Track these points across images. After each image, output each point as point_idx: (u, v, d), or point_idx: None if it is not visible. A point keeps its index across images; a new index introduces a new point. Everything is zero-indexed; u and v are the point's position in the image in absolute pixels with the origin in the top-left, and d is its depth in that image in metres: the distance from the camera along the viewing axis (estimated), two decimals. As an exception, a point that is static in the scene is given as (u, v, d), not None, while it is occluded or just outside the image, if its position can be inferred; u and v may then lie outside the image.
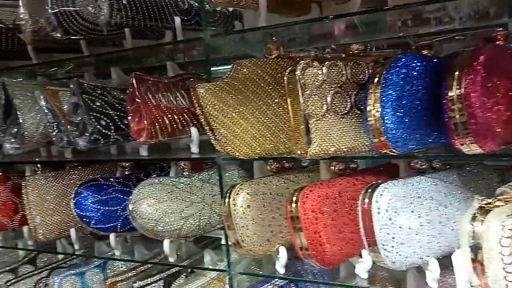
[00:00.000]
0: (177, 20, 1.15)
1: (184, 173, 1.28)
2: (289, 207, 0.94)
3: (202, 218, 1.20)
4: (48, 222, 1.34)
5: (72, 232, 1.39)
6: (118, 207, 1.29)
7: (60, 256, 1.64)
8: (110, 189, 1.30)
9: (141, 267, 1.43)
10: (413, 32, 1.14)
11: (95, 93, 1.12)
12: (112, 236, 1.29)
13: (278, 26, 0.98)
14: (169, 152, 1.35)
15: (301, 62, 0.89)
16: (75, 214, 1.26)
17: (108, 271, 1.50)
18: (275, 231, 1.04)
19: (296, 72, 0.88)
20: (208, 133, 1.00)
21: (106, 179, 1.32)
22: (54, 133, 1.18)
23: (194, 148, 1.17)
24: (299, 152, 0.92)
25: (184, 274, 1.37)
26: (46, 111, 1.19)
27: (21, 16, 1.26)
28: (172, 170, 1.34)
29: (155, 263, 1.29)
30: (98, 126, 1.06)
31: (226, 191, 1.04)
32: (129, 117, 1.09)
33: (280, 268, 1.07)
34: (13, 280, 1.44)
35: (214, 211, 1.22)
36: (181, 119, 1.11)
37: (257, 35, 1.11)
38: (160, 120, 1.06)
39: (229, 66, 1.07)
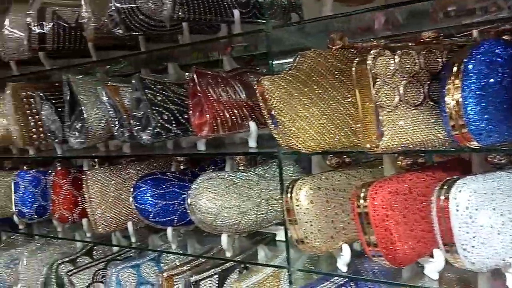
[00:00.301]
0: (236, 13, 1.14)
1: (240, 168, 1.27)
2: (356, 203, 0.90)
3: (259, 213, 1.18)
4: (108, 215, 1.37)
5: (129, 225, 1.42)
6: (175, 201, 1.30)
7: (115, 249, 1.68)
8: (167, 183, 1.32)
9: (195, 262, 1.44)
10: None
11: (156, 88, 1.13)
12: (169, 230, 1.31)
13: (345, 15, 0.94)
14: (223, 146, 1.34)
15: (372, 51, 0.85)
16: (134, 207, 1.28)
17: (162, 264, 1.53)
18: (338, 228, 1.01)
19: (367, 62, 0.84)
20: (271, 127, 0.98)
21: (163, 174, 1.34)
22: (116, 128, 1.20)
23: (252, 143, 1.16)
24: (368, 145, 0.88)
25: (238, 269, 1.37)
26: (108, 106, 1.22)
27: (84, 15, 1.30)
28: (227, 164, 1.34)
29: (213, 257, 1.29)
30: (161, 120, 1.07)
31: (288, 186, 1.02)
32: (190, 111, 1.09)
33: (342, 266, 1.04)
34: (74, 270, 1.49)
35: (271, 206, 1.21)
36: (240, 113, 1.10)
37: (319, 26, 1.08)
38: (221, 114, 1.06)
39: (286, 60, 1.05)
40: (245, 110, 1.12)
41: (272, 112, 0.94)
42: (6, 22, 1.49)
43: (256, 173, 1.24)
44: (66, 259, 1.61)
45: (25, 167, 1.73)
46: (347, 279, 1.10)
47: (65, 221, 1.51)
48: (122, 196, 1.40)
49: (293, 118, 0.93)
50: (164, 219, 1.29)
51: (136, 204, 1.27)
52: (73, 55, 1.52)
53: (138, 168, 1.46)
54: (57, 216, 1.49)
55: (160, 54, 1.40)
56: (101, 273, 1.55)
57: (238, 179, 1.20)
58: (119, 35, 1.21)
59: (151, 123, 1.06)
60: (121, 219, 1.40)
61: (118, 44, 1.46)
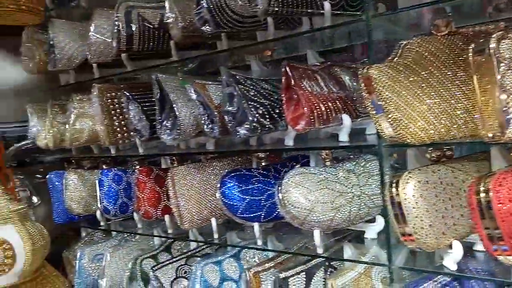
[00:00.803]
0: (327, 5, 1.12)
1: (326, 163, 1.25)
2: (475, 196, 0.85)
3: (352, 209, 1.15)
4: (193, 211, 1.39)
5: (213, 221, 1.43)
6: (261, 196, 1.30)
7: (192, 246, 1.71)
8: (253, 179, 1.32)
9: (277, 259, 1.43)
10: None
11: (247, 84, 1.14)
12: (256, 226, 1.31)
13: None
14: (309, 141, 1.32)
15: (494, 34, 0.80)
16: (222, 203, 1.29)
17: (243, 261, 1.53)
18: (448, 224, 0.96)
19: (490, 45, 0.79)
20: (376, 118, 0.95)
21: (248, 170, 1.34)
22: (206, 124, 1.22)
23: (344, 136, 1.13)
24: (490, 135, 0.83)
25: (323, 267, 1.34)
26: (197, 103, 1.24)
27: (169, 15, 1.33)
28: (312, 160, 1.32)
29: (307, 254, 1.27)
30: (257, 115, 1.07)
31: (392, 180, 0.98)
32: (284, 106, 1.08)
33: (451, 264, 0.98)
34: (159, 266, 1.53)
35: (363, 202, 1.17)
36: (334, 106, 1.08)
37: (414, 14, 1.04)
38: (317, 107, 1.04)
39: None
40: (338, 103, 1.09)
41: (379, 102, 0.91)
42: (92, 28, 1.55)
43: (345, 169, 1.21)
44: (148, 255, 1.65)
45: (104, 166, 1.81)
46: (450, 278, 1.04)
47: (149, 218, 1.55)
48: (206, 193, 1.42)
49: (403, 108, 0.89)
50: (252, 215, 1.29)
51: (224, 200, 1.28)
52: (153, 56, 1.56)
53: (221, 164, 1.47)
54: (142, 212, 1.54)
55: (238, 52, 1.41)
56: (183, 268, 1.58)
57: (329, 175, 1.17)
58: (207, 33, 1.23)
59: (248, 117, 1.06)
60: (206, 215, 1.42)
61: (198, 43, 1.49)
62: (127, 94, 1.45)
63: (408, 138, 0.91)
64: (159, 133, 1.27)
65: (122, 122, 1.59)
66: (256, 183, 1.31)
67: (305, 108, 1.02)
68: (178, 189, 1.39)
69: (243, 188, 1.29)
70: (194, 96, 1.24)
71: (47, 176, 1.91)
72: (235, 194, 1.28)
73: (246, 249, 1.56)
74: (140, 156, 1.58)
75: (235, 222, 1.62)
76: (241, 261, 1.54)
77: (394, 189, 0.96)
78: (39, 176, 2.02)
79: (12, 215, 1.57)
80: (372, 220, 1.26)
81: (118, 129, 1.58)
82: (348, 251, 1.29)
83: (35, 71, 1.76)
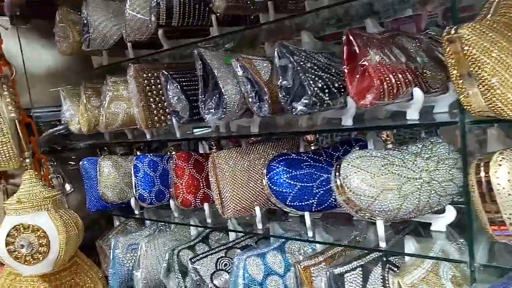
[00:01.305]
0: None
1: (388, 146, 1.11)
2: None
3: (422, 197, 1.01)
4: (237, 199, 1.28)
5: (257, 210, 1.32)
6: (313, 183, 1.18)
7: (231, 237, 1.61)
8: (303, 163, 1.20)
9: (328, 252, 1.31)
10: None
11: (301, 55, 1.01)
12: (307, 216, 1.18)
13: None
14: (365, 121, 1.19)
15: None
16: (269, 191, 1.18)
17: (288, 254, 1.42)
18: (550, 214, 0.81)
19: None
20: (460, 88, 0.80)
21: (297, 154, 1.22)
22: (254, 102, 1.10)
23: (415, 114, 0.99)
24: None
25: (380, 263, 1.21)
26: (244, 80, 1.12)
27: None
28: (369, 143, 1.19)
29: (371, 248, 1.14)
30: (316, 89, 0.94)
31: (478, 162, 0.84)
32: (346, 78, 0.95)
33: (550, 262, 0.84)
34: (199, 257, 1.43)
35: (433, 190, 1.03)
36: (404, 78, 0.94)
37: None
38: (387, 78, 0.90)
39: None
40: (408, 75, 0.95)
41: (471, 68, 0.76)
42: (127, 4, 1.46)
43: (410, 152, 1.07)
44: (185, 246, 1.56)
45: (138, 152, 1.73)
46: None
47: (188, 206, 1.46)
48: (250, 179, 1.30)
49: (500, 74, 0.74)
50: (303, 203, 1.17)
51: (272, 187, 1.17)
52: (189, 33, 1.45)
53: (265, 149, 1.35)
54: (180, 200, 1.44)
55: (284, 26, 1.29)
56: (222, 261, 1.48)
57: (395, 158, 1.03)
58: (253, 3, 1.11)
59: (306, 91, 0.94)
60: (249, 203, 1.31)
61: (239, 19, 1.37)
62: (166, 73, 1.35)
63: (505, 111, 0.76)
64: (202, 113, 1.16)
65: (159, 104, 1.50)
66: (306, 168, 1.19)
67: (374, 80, 0.89)
68: (220, 175, 1.28)
69: (292, 173, 1.17)
70: (240, 72, 1.12)
71: (80, 163, 1.84)
72: (284, 180, 1.16)
73: (290, 242, 1.44)
74: (177, 141, 1.48)
75: (277, 212, 1.51)
76: (286, 254, 1.42)
77: (482, 173, 0.82)
78: (72, 163, 1.96)
79: (46, 202, 1.51)
80: (440, 211, 1.12)
81: (155, 111, 1.48)
82: (411, 246, 1.15)
83: (69, 52, 1.69)
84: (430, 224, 1.15)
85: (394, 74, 0.92)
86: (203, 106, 1.18)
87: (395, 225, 1.28)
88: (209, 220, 1.50)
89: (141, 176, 1.57)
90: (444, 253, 1.10)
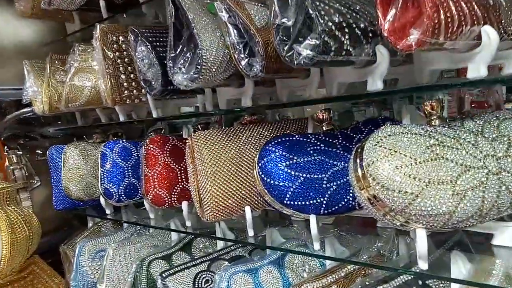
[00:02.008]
0: None
1: (433, 121, 0.77)
2: None
3: (487, 195, 0.67)
4: (220, 195, 0.95)
5: (247, 211, 0.99)
6: (323, 175, 0.84)
7: (219, 245, 1.28)
8: (309, 148, 0.86)
9: (341, 271, 0.97)
10: None
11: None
12: (313, 221, 0.84)
13: None
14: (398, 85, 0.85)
15: None
16: (261, 184, 0.85)
17: (288, 271, 1.08)
18: None
19: None
20: None
21: (303, 135, 0.89)
22: (243, 57, 0.78)
23: (481, 69, 0.65)
24: None
25: (420, 282, 0.86)
26: (230, 28, 0.80)
27: None
28: (404, 118, 0.85)
29: (404, 270, 0.80)
30: (330, 23, 0.61)
31: None
32: (378, 6, 0.62)
33: None
34: (171, 271, 1.11)
35: (504, 184, 0.69)
36: (470, 10, 0.60)
37: None
38: (444, 5, 0.57)
39: None
40: (476, 8, 0.62)
41: None
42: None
43: (468, 129, 0.73)
44: (160, 255, 1.23)
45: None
46: None
47: (161, 204, 1.14)
48: (240, 169, 0.98)
49: None
50: (307, 203, 0.83)
51: (265, 179, 0.84)
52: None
53: (262, 131, 1.03)
54: (150, 197, 1.12)
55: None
56: (203, 276, 1.16)
57: (446, 137, 0.70)
58: None
59: (316, 26, 0.61)
60: (237, 202, 0.98)
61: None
62: (135, 30, 1.04)
63: None
64: (171, 73, 0.85)
65: (132, 75, 1.19)
66: (314, 155, 0.86)
67: (426, 5, 0.55)
68: (199, 163, 0.96)
69: (294, 161, 0.84)
70: (225, 17, 0.80)
71: (47, 152, 1.55)
72: (282, 170, 0.83)
73: (292, 254, 1.11)
74: (154, 121, 1.17)
75: (279, 214, 1.19)
76: (285, 269, 1.09)
77: None
78: (40, 152, 1.67)
79: (-12, 196, 1.22)
80: (508, 218, 0.77)
81: (125, 83, 1.17)
82: (460, 267, 0.81)
83: (29, 13, 1.41)
84: (490, 235, 0.80)
85: (455, 1, 0.59)
86: (171, 64, 0.86)
87: (434, 234, 0.94)
88: (188, 223, 1.18)
89: (108, 167, 1.26)
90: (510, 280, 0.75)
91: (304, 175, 0.83)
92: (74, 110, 1.35)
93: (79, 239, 1.56)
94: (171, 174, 1.13)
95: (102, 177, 1.26)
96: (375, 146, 0.68)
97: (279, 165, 0.83)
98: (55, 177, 1.53)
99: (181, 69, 0.81)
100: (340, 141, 0.90)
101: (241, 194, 0.98)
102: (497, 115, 0.77)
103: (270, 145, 0.86)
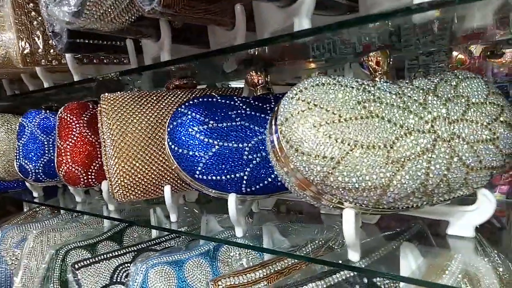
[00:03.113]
0: None
1: (377, 77, 0.61)
2: None
3: (433, 167, 0.51)
4: (130, 169, 0.79)
5: (167, 190, 0.82)
6: (246, 144, 0.68)
7: (154, 234, 1.12)
8: (232, 112, 0.70)
9: (276, 264, 0.81)
10: None
11: None
12: (231, 199, 0.68)
13: None
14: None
15: None
16: (169, 153, 0.69)
17: (219, 263, 0.92)
18: None
19: None
20: None
21: (227, 97, 0.72)
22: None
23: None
24: None
25: (358, 286, 0.71)
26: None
27: None
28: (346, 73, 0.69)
29: (338, 264, 0.65)
30: None
31: None
32: None
33: None
34: (84, 263, 0.94)
35: (457, 155, 0.53)
36: None
37: None
38: None
39: None
40: None
41: None
42: None
43: (418, 87, 0.57)
44: (82, 244, 1.07)
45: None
46: None
47: (75, 182, 0.97)
48: (156, 142, 0.81)
49: None
50: (223, 177, 0.67)
51: (172, 146, 0.67)
52: None
53: (190, 95, 0.86)
54: (62, 173, 0.96)
55: None
56: (125, 269, 0.99)
57: (385, 92, 0.54)
58: None
59: None
60: (152, 180, 0.81)
61: None
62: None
63: None
64: (51, 5, 0.67)
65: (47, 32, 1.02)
66: (237, 120, 0.69)
67: None
68: (106, 131, 0.79)
69: (210, 125, 0.68)
70: None
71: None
72: (193, 136, 0.66)
73: (230, 246, 0.95)
74: (66, 85, 1.00)
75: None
76: (218, 262, 0.93)
77: None
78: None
79: None
80: (467, 201, 0.62)
81: (39, 40, 1.01)
82: (410, 262, 0.65)
83: None
84: (446, 223, 0.64)
85: None
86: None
87: (390, 224, 0.78)
88: (111, 207, 1.01)
89: (25, 140, 1.09)
90: (469, 279, 0.59)
91: (221, 143, 0.67)
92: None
93: (3, 226, 1.39)
94: (88, 147, 0.96)
95: (18, 152, 1.09)
96: (292, 100, 0.52)
97: (190, 129, 0.67)
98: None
99: (65, 1, 0.64)
100: (272, 105, 0.73)
101: (157, 170, 0.81)
102: (457, 73, 0.61)
103: (183, 106, 0.69)
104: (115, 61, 1.13)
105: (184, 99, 0.86)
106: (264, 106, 0.73)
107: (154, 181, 0.81)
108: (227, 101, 0.72)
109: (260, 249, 0.81)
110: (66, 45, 0.85)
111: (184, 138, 0.67)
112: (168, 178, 0.83)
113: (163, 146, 0.82)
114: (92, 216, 1.18)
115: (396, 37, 0.73)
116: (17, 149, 1.10)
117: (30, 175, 1.09)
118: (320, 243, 0.85)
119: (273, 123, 0.55)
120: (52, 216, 1.45)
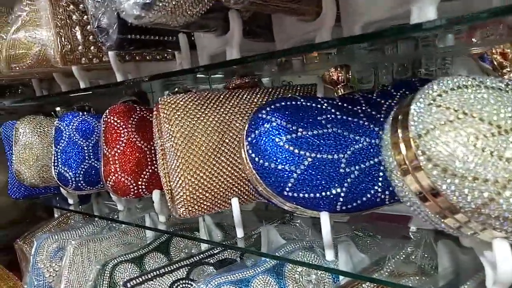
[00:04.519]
0: None
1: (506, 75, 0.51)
2: None
3: None
4: (197, 182, 0.70)
5: (235, 203, 0.73)
6: (341, 155, 0.58)
7: (204, 246, 1.04)
8: (321, 117, 0.60)
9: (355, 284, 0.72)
10: None
11: None
12: (325, 219, 0.59)
13: None
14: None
15: None
16: (251, 167, 0.59)
17: (288, 281, 0.83)
18: None
19: None
20: None
21: (311, 99, 0.63)
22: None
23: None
24: None
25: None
26: None
27: None
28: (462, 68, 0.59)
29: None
30: None
31: None
32: None
33: None
34: (137, 280, 0.86)
35: None
36: None
37: None
38: None
39: None
40: None
41: None
42: None
43: None
44: (128, 257, 0.99)
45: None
46: None
47: (125, 193, 0.88)
48: (224, 149, 0.72)
49: None
50: (317, 195, 0.58)
51: (255, 159, 0.58)
52: None
53: (256, 98, 0.77)
54: (111, 183, 0.87)
55: None
56: (181, 286, 0.91)
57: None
58: None
59: None
60: (220, 193, 0.72)
61: None
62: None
63: None
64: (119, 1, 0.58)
65: (88, 27, 0.92)
66: (328, 126, 0.60)
67: None
68: (168, 139, 0.70)
69: (299, 134, 0.58)
70: None
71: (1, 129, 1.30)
72: (281, 147, 0.57)
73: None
74: (114, 85, 0.91)
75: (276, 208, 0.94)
76: (285, 280, 0.84)
77: None
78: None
79: None
80: None
81: (79, 36, 0.91)
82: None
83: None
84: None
85: None
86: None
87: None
88: (162, 218, 0.93)
89: (63, 146, 1.01)
90: None
91: (313, 154, 0.57)
92: (21, 74, 1.08)
93: (40, 234, 1.31)
94: (137, 154, 0.87)
95: (56, 158, 1.01)
96: (430, 107, 0.42)
97: (277, 139, 0.57)
98: (10, 159, 1.28)
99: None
100: (364, 108, 0.63)
101: (225, 182, 0.72)
102: None
103: (264, 111, 0.60)
104: (158, 57, 1.04)
105: (250, 101, 0.76)
106: (355, 108, 0.63)
107: (221, 193, 0.72)
108: (313, 104, 0.62)
109: (345, 274, 0.71)
110: (117, 42, 0.75)
111: (271, 150, 0.57)
112: (236, 190, 0.74)
113: (231, 154, 0.72)
114: (137, 227, 1.09)
115: None
116: (55, 155, 1.01)
117: (70, 183, 1.00)
118: (401, 258, 0.77)
119: (399, 134, 0.45)
120: (85, 222, 1.37)
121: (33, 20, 1.02)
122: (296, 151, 0.57)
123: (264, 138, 0.58)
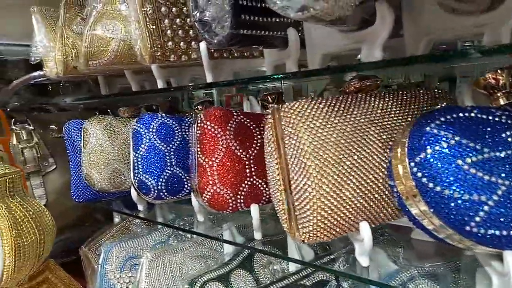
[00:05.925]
0: None
1: None
2: None
3: None
4: (330, 203, 0.59)
5: (366, 229, 0.63)
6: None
7: (292, 266, 0.94)
8: (505, 133, 0.49)
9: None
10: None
11: None
12: (510, 258, 0.48)
13: None
14: None
15: None
16: (415, 190, 0.48)
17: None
18: None
19: None
20: None
21: (481, 109, 0.51)
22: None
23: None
24: None
25: None
26: None
27: None
28: None
29: None
30: None
31: None
32: None
33: None
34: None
35: None
36: None
37: None
38: None
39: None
40: None
41: None
42: None
43: None
44: (214, 275, 0.90)
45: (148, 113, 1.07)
46: None
47: (223, 207, 0.79)
48: (358, 164, 0.61)
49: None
50: (502, 230, 0.47)
51: (430, 185, 0.47)
52: None
53: (388, 104, 0.66)
54: (208, 197, 0.78)
55: None
56: (280, 311, 0.82)
57: None
58: None
59: None
60: (353, 215, 0.62)
61: None
62: None
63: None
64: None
65: (178, 20, 0.82)
66: (502, 142, 0.48)
67: None
68: (294, 152, 0.60)
69: (485, 156, 0.47)
70: None
71: (63, 128, 1.23)
72: (467, 172, 0.46)
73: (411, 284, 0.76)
74: (204, 87, 0.81)
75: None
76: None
77: None
78: (53, 127, 1.34)
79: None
80: None
81: (168, 31, 0.81)
82: None
83: None
84: None
85: None
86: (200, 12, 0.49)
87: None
88: (258, 235, 0.83)
89: (144, 151, 0.92)
90: None
91: (507, 182, 0.46)
92: (96, 71, 1.00)
93: (104, 240, 1.24)
94: (236, 164, 0.77)
95: (137, 165, 0.92)
96: None
97: (460, 162, 0.46)
98: (73, 160, 1.20)
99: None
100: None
101: (358, 204, 0.61)
102: None
103: (433, 125, 0.49)
104: (245, 54, 0.94)
105: (382, 108, 0.65)
106: (539, 121, 0.52)
107: (353, 217, 0.62)
108: (489, 117, 0.51)
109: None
110: (228, 37, 0.65)
111: (453, 175, 0.46)
112: (366, 212, 0.63)
113: (363, 171, 0.61)
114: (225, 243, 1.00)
115: None
116: (134, 161, 0.92)
117: (152, 192, 0.92)
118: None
119: None
120: (148, 228, 1.30)
121: (109, 13, 0.93)
122: (487, 177, 0.46)
123: (441, 159, 0.47)
